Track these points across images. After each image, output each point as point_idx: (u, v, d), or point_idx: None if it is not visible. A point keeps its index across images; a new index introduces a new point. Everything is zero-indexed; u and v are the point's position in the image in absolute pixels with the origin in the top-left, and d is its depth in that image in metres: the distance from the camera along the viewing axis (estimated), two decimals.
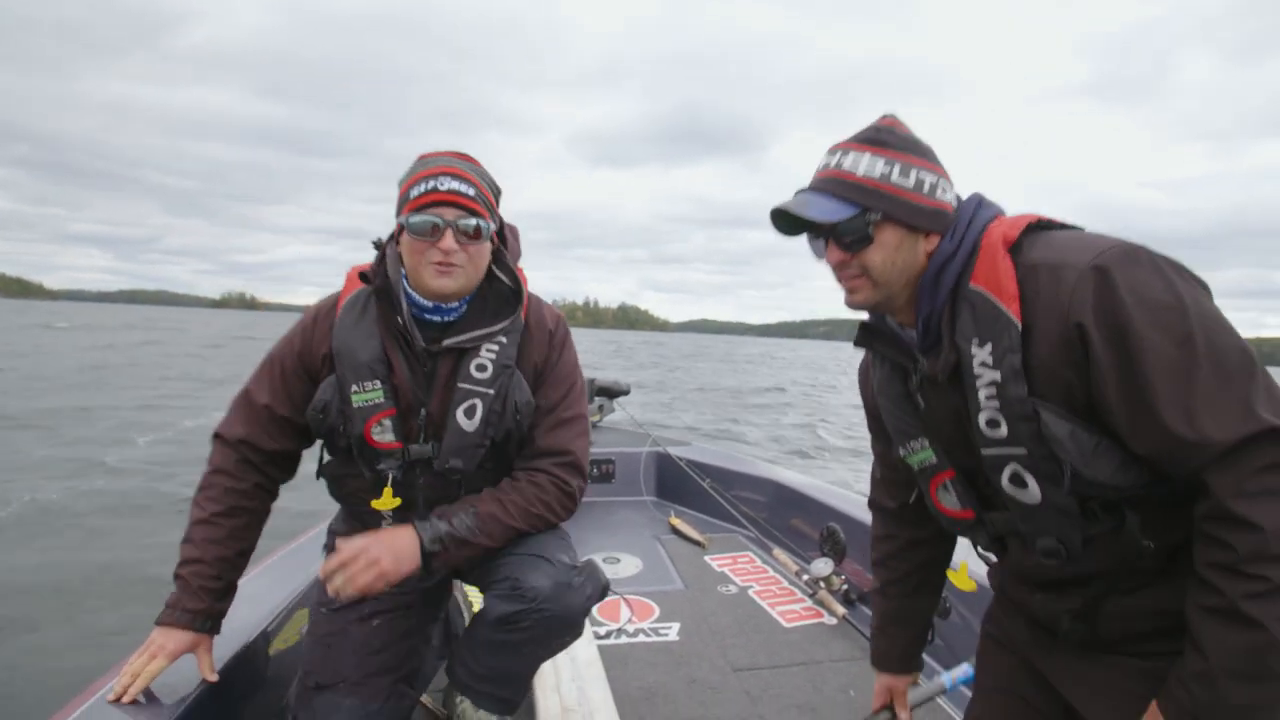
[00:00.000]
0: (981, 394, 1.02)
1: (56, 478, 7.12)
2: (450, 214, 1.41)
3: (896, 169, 1.06)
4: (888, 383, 1.23)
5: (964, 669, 1.71)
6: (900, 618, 1.46)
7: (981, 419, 1.04)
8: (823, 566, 2.77)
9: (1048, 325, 0.95)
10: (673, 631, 2.46)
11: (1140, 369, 0.89)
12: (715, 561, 3.20)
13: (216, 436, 1.57)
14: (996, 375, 1.00)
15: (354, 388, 1.49)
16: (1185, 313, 0.89)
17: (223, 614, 1.49)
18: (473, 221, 1.43)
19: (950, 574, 1.31)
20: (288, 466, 1.63)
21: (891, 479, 1.41)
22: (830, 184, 1.08)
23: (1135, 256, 0.92)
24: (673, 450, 4.20)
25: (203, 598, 1.44)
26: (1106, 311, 0.90)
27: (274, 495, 1.61)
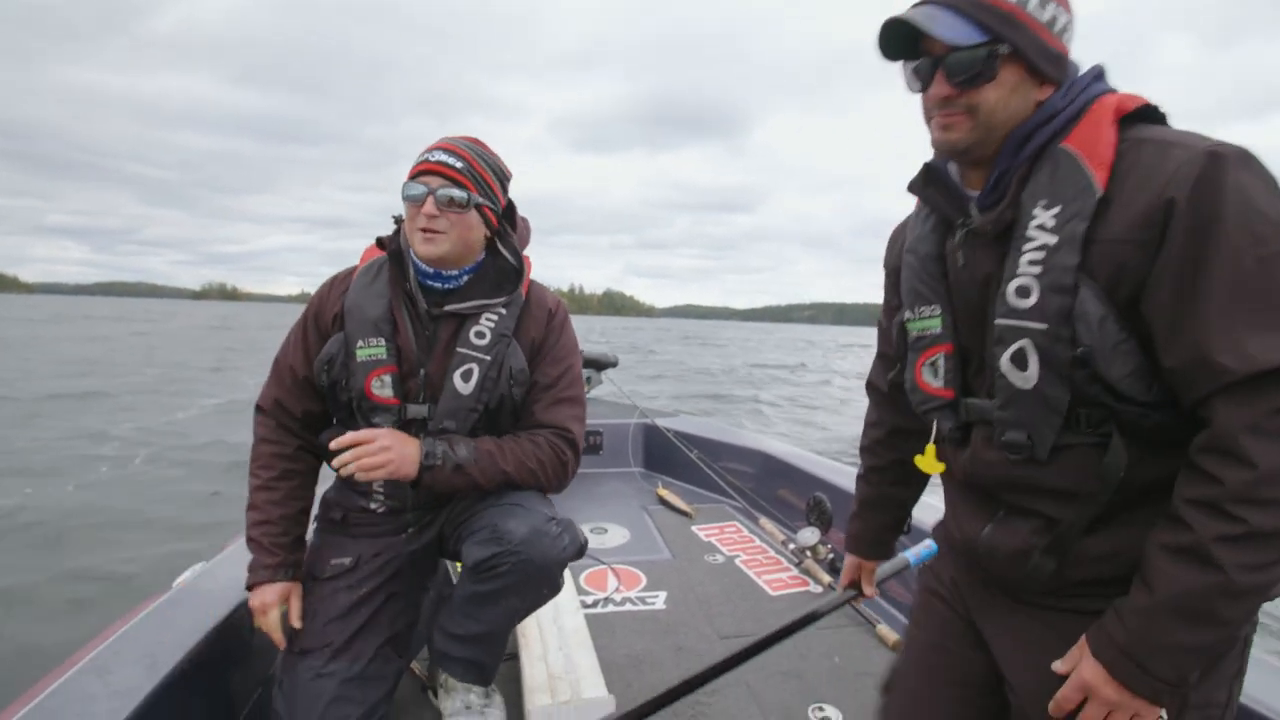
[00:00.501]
0: (1025, 258, 0.95)
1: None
2: (435, 182, 1.51)
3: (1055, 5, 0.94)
4: (923, 239, 1.15)
5: (927, 544, 1.75)
6: (879, 504, 1.46)
7: (1012, 285, 0.96)
8: (809, 536, 2.79)
9: (1135, 198, 0.88)
10: (660, 600, 2.48)
11: (1210, 266, 0.83)
12: (702, 531, 3.22)
13: (257, 409, 1.68)
14: (1052, 240, 0.92)
15: (359, 343, 1.58)
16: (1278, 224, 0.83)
17: (299, 563, 1.61)
18: (451, 191, 1.51)
19: (918, 459, 1.20)
20: (321, 430, 1.69)
21: (887, 356, 1.36)
22: (963, 0, 0.94)
23: (1252, 161, 0.85)
24: (660, 422, 4.21)
25: (276, 553, 1.56)
26: (1205, 196, 0.83)
27: (319, 457, 1.69)
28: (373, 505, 1.67)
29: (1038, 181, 0.95)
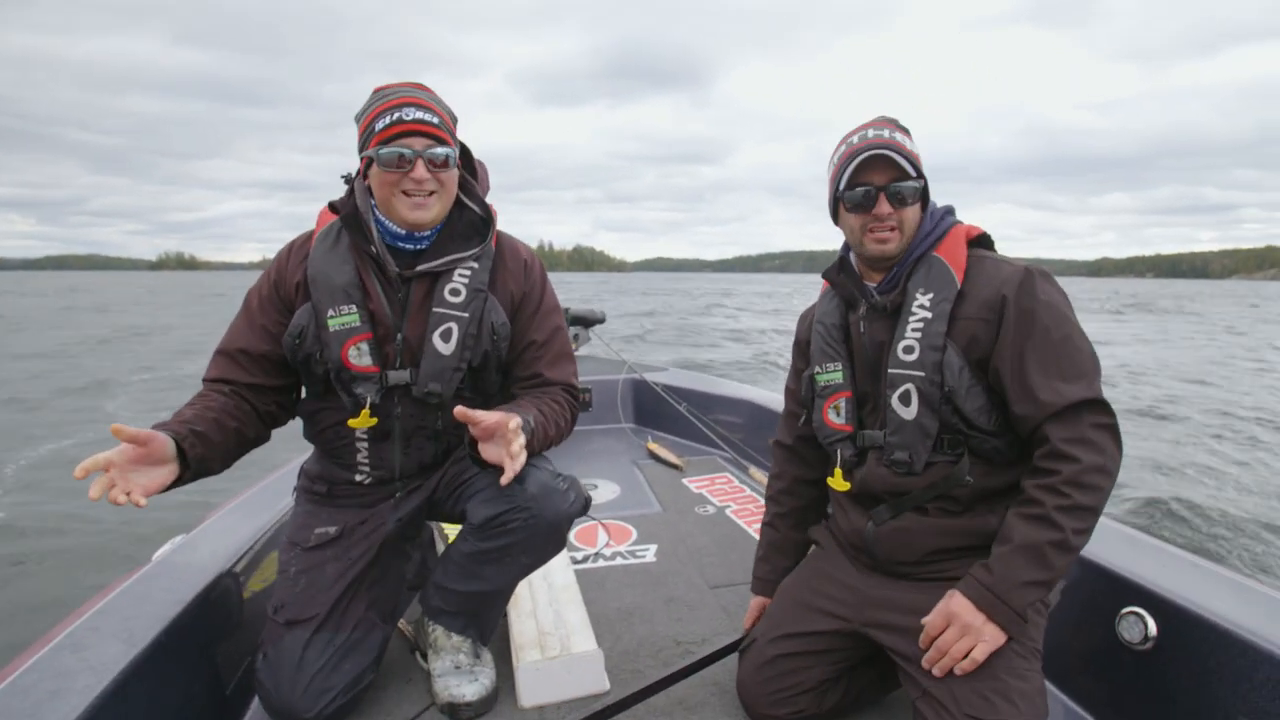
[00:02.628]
0: (909, 327, 1.37)
1: None
2: (419, 143, 1.44)
3: (919, 154, 1.42)
4: (830, 313, 1.56)
5: None
6: (783, 548, 1.74)
7: (900, 345, 1.38)
8: None
9: (981, 293, 1.33)
10: (650, 553, 2.49)
11: (1031, 340, 1.28)
12: (693, 484, 3.23)
13: (203, 381, 1.58)
14: (928, 315, 1.35)
15: (330, 312, 1.51)
16: (1066, 318, 1.30)
17: (185, 436, 1.35)
18: (441, 150, 1.46)
19: (829, 480, 1.55)
20: (273, 399, 1.60)
21: (795, 413, 1.67)
22: (899, 152, 1.38)
23: (1047, 275, 1.33)
24: (649, 376, 4.19)
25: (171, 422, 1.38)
26: (1024, 296, 1.30)
27: (260, 417, 1.57)
28: (358, 478, 1.64)
29: (918, 276, 1.40)
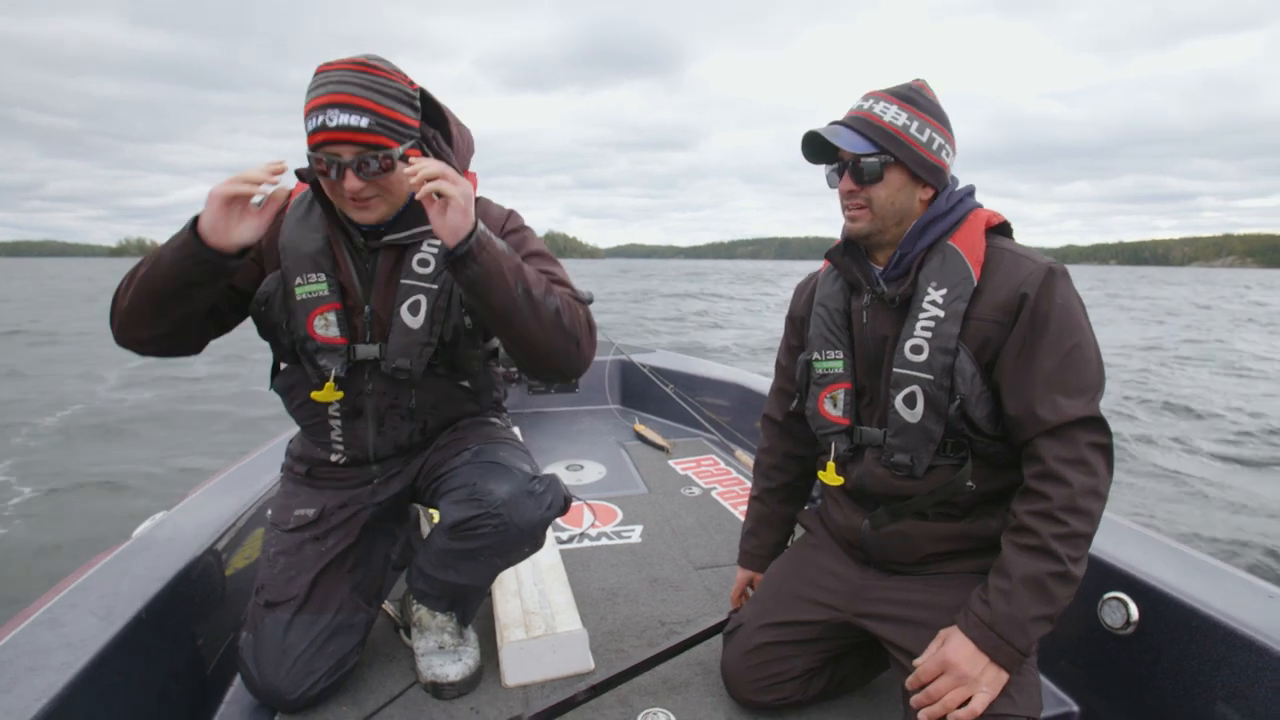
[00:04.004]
0: (919, 324, 1.29)
1: None
2: (348, 153, 1.30)
3: (916, 124, 1.29)
4: (832, 296, 1.47)
5: None
6: (771, 522, 1.71)
7: (908, 344, 1.30)
8: None
9: (998, 290, 1.24)
10: (635, 534, 2.49)
11: (1040, 345, 1.21)
12: (679, 465, 3.23)
13: None
14: (940, 313, 1.27)
15: (298, 280, 1.47)
16: (1079, 325, 1.23)
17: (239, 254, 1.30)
18: (376, 155, 1.31)
19: (820, 473, 1.50)
20: (217, 319, 1.50)
21: (787, 390, 1.63)
22: (860, 123, 1.30)
23: (1067, 275, 1.25)
24: (636, 358, 4.17)
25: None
26: (1043, 297, 1.22)
27: (208, 315, 1.46)
28: (333, 458, 1.61)
29: (931, 267, 1.30)
